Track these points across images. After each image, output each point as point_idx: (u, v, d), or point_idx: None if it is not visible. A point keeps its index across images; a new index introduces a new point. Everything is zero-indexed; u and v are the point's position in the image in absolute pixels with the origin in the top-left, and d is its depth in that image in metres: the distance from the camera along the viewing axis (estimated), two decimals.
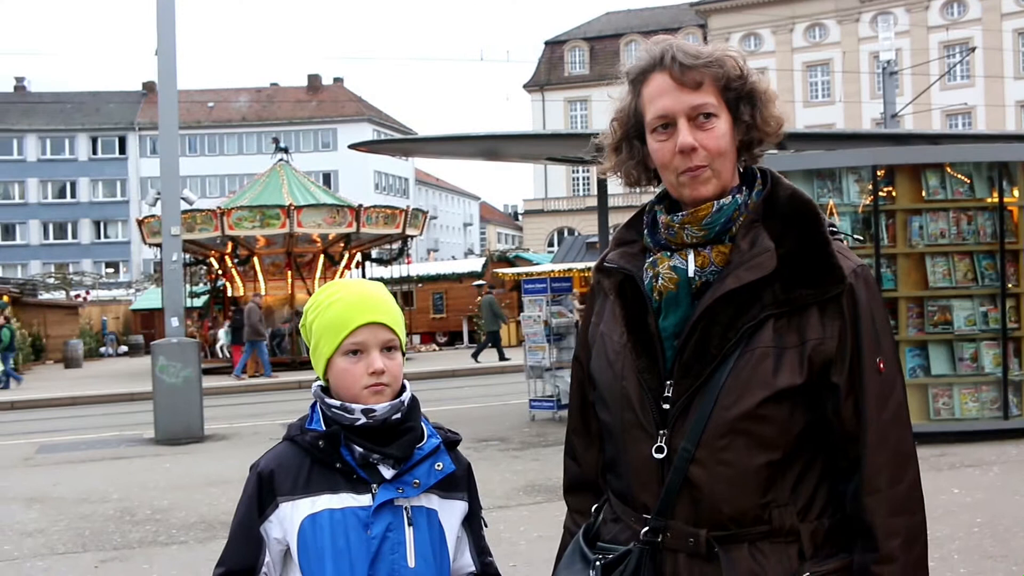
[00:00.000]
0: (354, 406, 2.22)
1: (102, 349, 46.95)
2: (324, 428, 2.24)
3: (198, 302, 36.33)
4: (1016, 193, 11.71)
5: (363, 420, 2.21)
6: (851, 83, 57.51)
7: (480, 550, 2.39)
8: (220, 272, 33.57)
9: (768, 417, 1.94)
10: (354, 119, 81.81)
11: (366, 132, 77.73)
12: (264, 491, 2.23)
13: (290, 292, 31.35)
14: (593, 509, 2.25)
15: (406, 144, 20.02)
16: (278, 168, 32.92)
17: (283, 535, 2.22)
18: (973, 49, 42.36)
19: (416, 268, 39.11)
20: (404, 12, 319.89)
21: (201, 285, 37.14)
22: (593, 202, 63.05)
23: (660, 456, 2.00)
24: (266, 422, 16.67)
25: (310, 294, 31.01)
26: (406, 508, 2.22)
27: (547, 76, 70.46)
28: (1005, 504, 8.24)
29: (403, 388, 2.29)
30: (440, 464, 2.26)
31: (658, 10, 71.76)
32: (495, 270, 41.74)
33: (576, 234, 55.87)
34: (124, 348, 47.65)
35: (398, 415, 2.24)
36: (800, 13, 60.49)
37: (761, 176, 2.11)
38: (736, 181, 2.08)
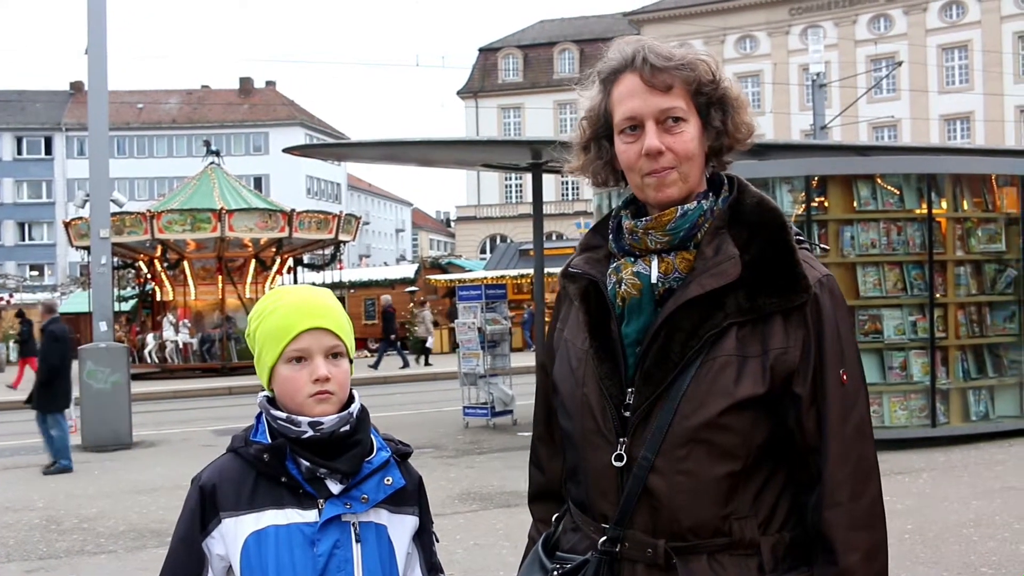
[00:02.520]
0: (301, 418, 2.14)
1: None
2: (269, 440, 2.16)
3: (126, 306, 35.74)
4: (944, 204, 11.94)
5: (310, 433, 2.13)
6: (781, 95, 58.29)
7: (431, 567, 2.33)
8: (149, 276, 33.06)
9: (729, 427, 1.91)
10: (287, 123, 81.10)
11: (298, 136, 77.11)
12: (207, 505, 2.14)
13: (221, 297, 31.05)
14: (554, 519, 2.22)
15: (341, 148, 19.85)
16: (209, 171, 32.54)
17: (226, 552, 2.13)
18: (900, 63, 43.08)
19: (348, 274, 38.91)
20: (339, 16, 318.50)
21: (129, 289, 36.51)
22: (526, 209, 63.40)
23: (620, 464, 1.96)
24: (196, 428, 16.44)
25: (241, 299, 30.98)
26: (354, 524, 2.15)
27: (481, 83, 70.45)
28: (935, 511, 8.37)
29: (351, 398, 2.22)
30: (390, 479, 2.20)
31: (592, 19, 72.10)
32: (428, 276, 41.62)
33: (509, 241, 55.97)
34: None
35: (347, 427, 2.17)
36: (731, 25, 61.19)
37: (728, 182, 2.08)
38: (703, 187, 2.06)
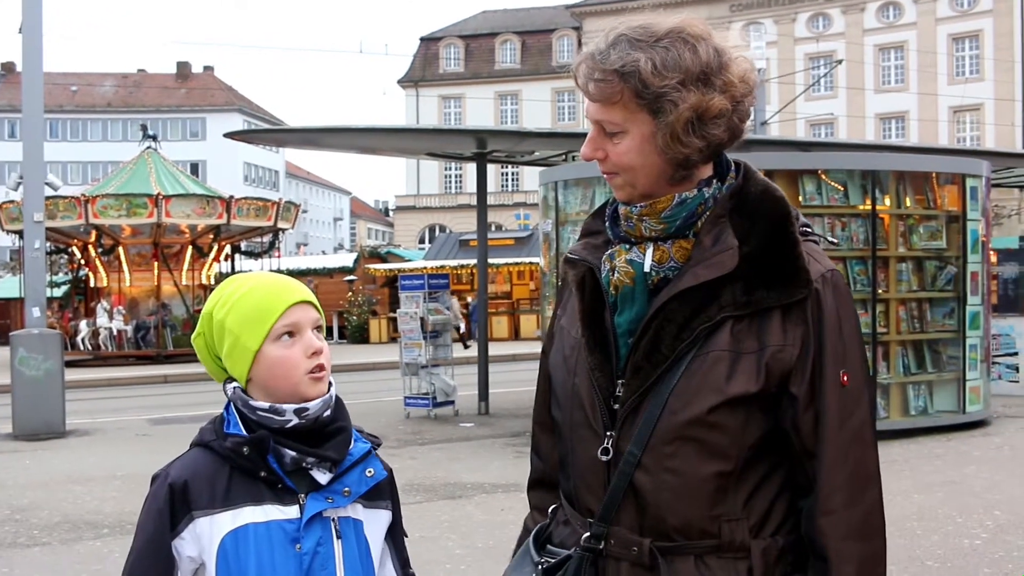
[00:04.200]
0: (285, 407, 2.02)
1: None
2: (244, 432, 2.04)
3: (59, 292, 35.10)
4: (888, 201, 12.05)
5: (295, 421, 2.02)
6: None
7: (403, 562, 2.23)
8: (83, 262, 32.48)
9: (719, 425, 1.83)
10: (224, 109, 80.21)
11: (236, 123, 76.21)
12: (177, 504, 2.00)
13: (156, 284, 30.56)
14: (550, 510, 2.14)
15: (282, 134, 19.61)
16: (146, 156, 32.03)
17: (198, 553, 2.00)
18: (840, 61, 43.58)
19: (286, 262, 38.46)
20: (280, 1, 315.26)
21: (62, 275, 35.87)
22: (465, 200, 63.45)
23: (606, 459, 1.90)
24: (131, 417, 16.14)
25: (177, 286, 30.56)
26: (333, 520, 2.04)
27: (422, 72, 70.10)
28: None
29: (330, 382, 2.11)
30: (371, 470, 2.09)
31: (534, 11, 72.05)
32: (367, 265, 41.33)
33: (448, 231, 55.76)
34: None
35: (328, 412, 2.06)
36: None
37: (735, 169, 1.98)
38: (700, 177, 1.94)
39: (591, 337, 1.97)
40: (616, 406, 1.91)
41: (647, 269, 1.92)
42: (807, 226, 1.99)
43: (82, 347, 29.82)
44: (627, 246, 1.96)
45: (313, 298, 2.10)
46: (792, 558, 1.89)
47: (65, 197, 29.16)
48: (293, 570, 1.99)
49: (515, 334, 35.76)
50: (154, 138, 33.54)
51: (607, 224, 2.03)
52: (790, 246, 1.89)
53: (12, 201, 29.49)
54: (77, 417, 14.87)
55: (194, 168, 65.42)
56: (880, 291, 11.76)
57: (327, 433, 2.05)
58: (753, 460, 1.87)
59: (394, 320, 34.38)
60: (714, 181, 1.95)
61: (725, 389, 1.82)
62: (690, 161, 1.88)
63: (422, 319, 14.89)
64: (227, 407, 2.10)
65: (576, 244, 2.07)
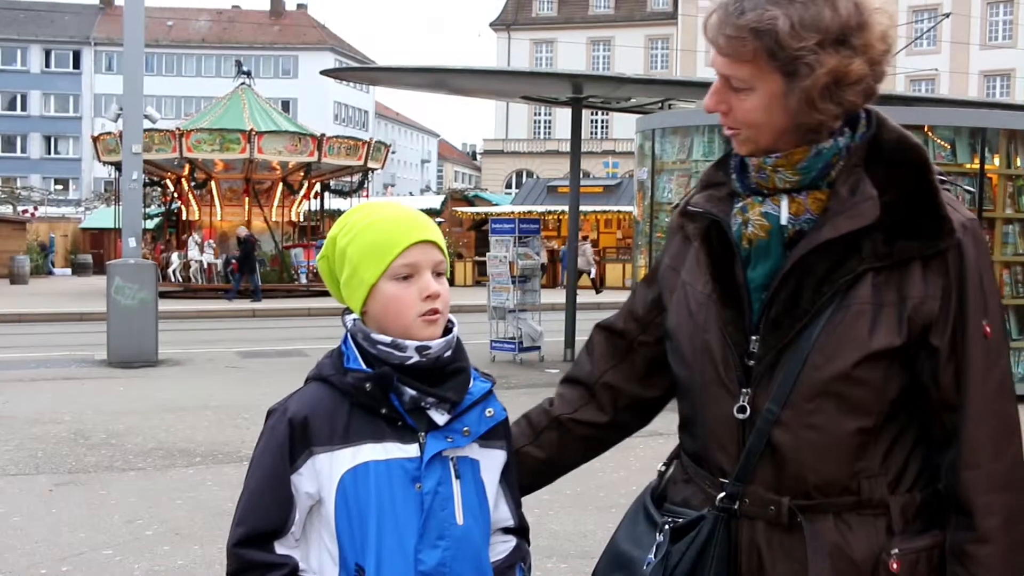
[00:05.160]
0: (406, 343, 1.94)
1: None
2: (364, 367, 1.97)
3: (151, 224, 35.70)
4: (997, 161, 11.65)
5: (416, 359, 1.94)
6: None
7: (516, 503, 2.16)
8: (176, 195, 32.98)
9: (862, 380, 1.77)
10: (316, 47, 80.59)
11: (328, 61, 76.46)
12: (296, 440, 1.95)
13: (247, 219, 30.88)
14: (660, 468, 2.10)
15: (379, 73, 19.50)
16: (240, 92, 32.30)
17: (316, 489, 1.95)
18: (946, 15, 42.26)
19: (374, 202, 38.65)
20: None
21: (155, 207, 36.46)
22: (553, 145, 63.18)
23: (742, 416, 1.83)
24: (221, 349, 16.40)
25: (267, 222, 30.86)
26: (452, 460, 1.98)
27: (514, 16, 69.58)
28: None
29: (450, 325, 2.03)
30: (491, 410, 2.01)
31: None
32: (454, 208, 41.42)
33: (536, 177, 55.58)
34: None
35: (449, 352, 1.98)
36: None
37: (866, 117, 1.89)
38: (832, 129, 1.84)
39: (723, 292, 1.90)
40: (751, 362, 1.85)
41: (784, 222, 1.84)
42: (942, 175, 1.90)
43: (173, 279, 30.34)
44: (759, 199, 1.88)
45: (438, 238, 2.01)
46: (928, 513, 1.84)
47: (160, 130, 29.55)
48: (414, 510, 1.93)
49: (601, 282, 35.59)
50: (248, 74, 33.80)
51: (734, 175, 1.94)
52: (931, 194, 1.82)
53: (109, 133, 30.05)
54: (168, 347, 15.15)
55: (285, 106, 65.87)
56: None
57: (447, 373, 1.98)
58: (891, 415, 1.82)
59: (479, 263, 34.80)
60: (846, 130, 1.86)
61: (869, 343, 1.77)
62: (823, 126, 1.82)
63: (511, 263, 14.85)
64: (345, 340, 2.03)
65: (697, 196, 2.00)
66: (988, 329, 1.80)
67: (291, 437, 1.95)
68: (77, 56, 79.62)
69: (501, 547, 2.11)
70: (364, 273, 1.96)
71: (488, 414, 2.01)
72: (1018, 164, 11.91)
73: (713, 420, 1.90)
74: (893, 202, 1.80)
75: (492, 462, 2.06)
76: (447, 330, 2.01)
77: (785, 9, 1.73)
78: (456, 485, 1.97)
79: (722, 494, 1.86)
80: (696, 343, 1.93)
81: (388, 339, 1.96)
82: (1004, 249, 11.64)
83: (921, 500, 1.84)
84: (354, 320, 2.02)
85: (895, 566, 1.78)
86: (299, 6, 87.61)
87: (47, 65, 79.85)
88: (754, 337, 1.85)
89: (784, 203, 1.85)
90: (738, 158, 1.93)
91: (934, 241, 1.78)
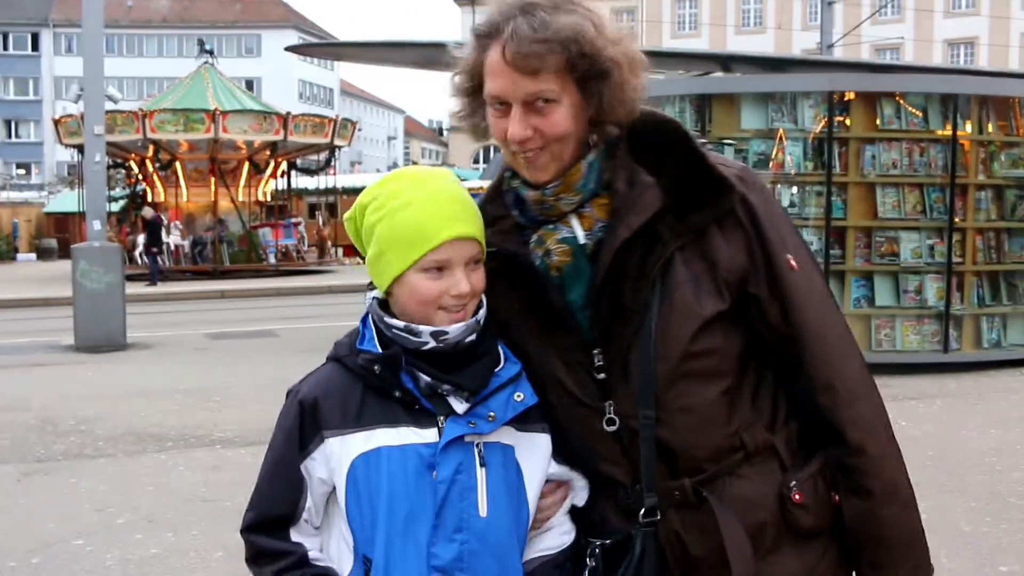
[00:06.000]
0: (421, 328, 1.83)
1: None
2: (379, 349, 1.85)
3: (116, 207, 35.25)
4: (969, 127, 11.62)
5: (431, 344, 1.83)
6: (784, 12, 57.36)
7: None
8: (140, 177, 32.60)
9: (707, 350, 1.86)
10: (279, 25, 79.70)
11: (292, 39, 75.24)
12: (307, 423, 1.85)
13: (213, 199, 30.58)
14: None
15: (341, 48, 19.33)
16: (203, 71, 31.98)
17: (329, 475, 1.85)
18: None
19: (342, 180, 38.31)
20: None
21: (119, 189, 36.01)
22: None
23: (612, 428, 1.89)
24: (189, 332, 16.21)
25: (234, 202, 30.56)
26: (478, 445, 1.84)
27: None
28: (953, 439, 8.20)
29: (479, 303, 1.91)
30: (521, 394, 1.87)
31: None
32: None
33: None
34: None
35: (472, 336, 1.86)
36: None
37: None
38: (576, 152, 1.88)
39: (546, 323, 1.92)
40: (601, 375, 1.89)
41: (582, 240, 1.89)
42: (699, 136, 1.97)
43: (139, 262, 29.99)
44: (550, 226, 1.91)
45: (477, 230, 1.87)
46: (808, 439, 1.94)
47: (123, 112, 29.14)
48: (427, 499, 1.81)
49: None
50: (211, 53, 33.43)
51: (515, 212, 1.94)
52: (701, 160, 1.87)
53: (70, 115, 29.63)
54: (136, 331, 14.95)
55: (249, 85, 65.28)
56: (957, 220, 11.36)
57: (468, 357, 1.86)
58: (744, 367, 1.91)
59: None
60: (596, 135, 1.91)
61: (700, 315, 1.84)
62: (600, 133, 1.89)
63: None
64: (364, 319, 1.93)
65: (488, 234, 1.94)
66: (793, 263, 1.88)
67: (301, 420, 1.87)
68: (36, 38, 78.38)
69: (558, 539, 1.99)
70: (392, 261, 1.86)
71: (517, 398, 1.88)
72: (990, 130, 11.87)
73: (590, 439, 1.92)
74: (671, 182, 1.85)
75: (532, 446, 1.93)
76: (476, 310, 1.90)
77: (582, 18, 1.78)
78: (481, 473, 1.84)
79: (643, 509, 1.88)
80: (544, 376, 1.93)
81: (402, 324, 1.86)
82: (977, 215, 11.60)
83: (798, 427, 1.94)
84: (373, 299, 1.93)
85: (797, 497, 1.89)
86: None
87: (5, 48, 78.57)
88: (595, 351, 1.88)
89: (575, 223, 1.89)
90: (512, 194, 1.94)
91: (720, 203, 1.85)
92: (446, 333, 1.83)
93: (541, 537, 1.97)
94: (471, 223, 1.87)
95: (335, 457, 1.84)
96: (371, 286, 1.94)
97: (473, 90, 1.90)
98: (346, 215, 1.97)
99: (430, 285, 1.83)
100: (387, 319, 1.87)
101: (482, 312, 1.89)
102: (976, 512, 6.23)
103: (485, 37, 1.83)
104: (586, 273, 1.88)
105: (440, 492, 1.81)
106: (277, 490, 1.87)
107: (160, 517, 6.26)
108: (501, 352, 1.91)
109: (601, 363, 1.88)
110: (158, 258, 27.84)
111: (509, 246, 1.91)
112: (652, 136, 1.89)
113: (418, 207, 1.84)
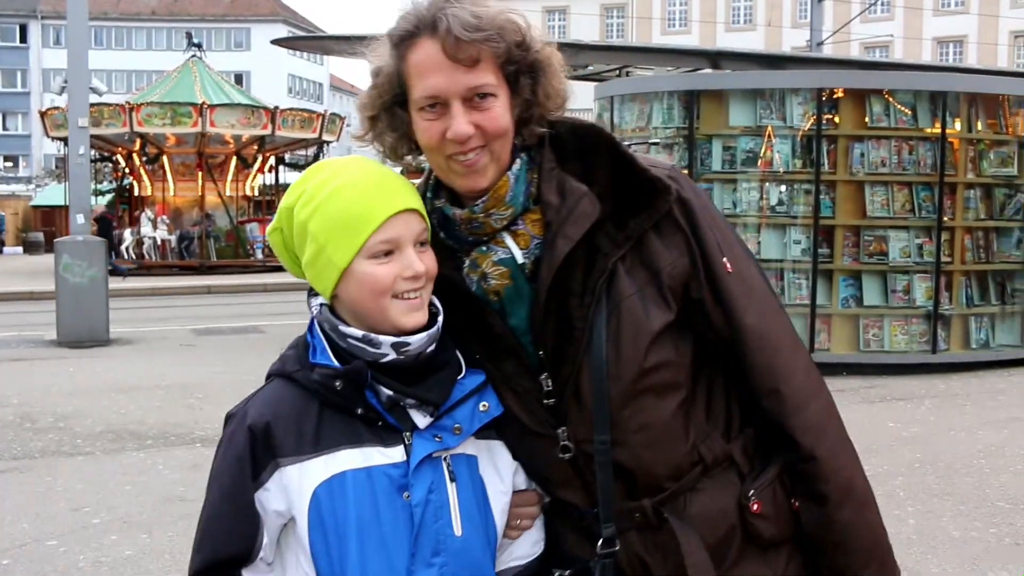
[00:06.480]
0: (381, 338, 1.68)
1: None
2: (334, 362, 1.71)
3: (103, 200, 35.07)
4: (958, 125, 11.55)
5: (392, 356, 1.69)
6: (774, 9, 57.34)
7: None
8: (127, 170, 32.40)
9: (660, 364, 1.78)
10: (269, 19, 79.43)
11: (281, 33, 75.20)
12: (259, 450, 1.68)
13: (200, 194, 30.41)
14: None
15: (331, 42, 19.21)
16: (191, 64, 31.76)
17: (287, 507, 1.69)
18: None
19: None
20: None
21: (106, 183, 35.82)
22: None
23: (567, 456, 1.81)
24: (174, 327, 16.08)
25: (221, 196, 30.46)
26: (445, 459, 1.73)
27: None
28: (942, 441, 8.14)
29: (434, 310, 1.77)
30: (486, 404, 1.76)
31: None
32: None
33: None
34: None
35: (432, 348, 1.73)
36: None
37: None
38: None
39: (490, 350, 1.81)
40: (550, 401, 1.79)
41: (520, 260, 1.78)
42: (624, 141, 1.89)
43: (126, 256, 29.83)
44: (483, 248, 1.80)
45: (418, 203, 1.74)
46: (763, 443, 1.88)
47: (110, 104, 28.95)
48: (403, 524, 1.67)
49: None
50: (199, 46, 33.24)
51: (442, 234, 1.83)
52: (631, 165, 1.79)
53: (57, 108, 29.39)
54: (121, 326, 14.81)
55: (238, 79, 64.97)
56: (946, 219, 11.30)
57: (429, 368, 1.73)
58: (696, 376, 1.84)
59: None
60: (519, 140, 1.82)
61: (649, 329, 1.76)
62: (532, 123, 1.81)
63: None
64: (311, 329, 1.77)
65: None
66: (728, 266, 1.81)
67: (252, 448, 1.70)
68: (24, 30, 77.96)
69: (530, 548, 1.89)
70: (334, 253, 1.69)
71: (483, 408, 1.78)
72: (979, 128, 11.81)
73: (543, 466, 1.85)
74: (604, 188, 1.77)
75: (494, 454, 1.83)
76: (431, 315, 1.76)
77: (510, 12, 1.73)
78: (452, 489, 1.73)
79: (601, 539, 1.81)
80: None
81: (359, 333, 1.71)
82: (966, 214, 11.54)
83: (754, 432, 1.87)
84: (320, 307, 1.76)
85: (756, 507, 1.82)
86: None
87: None
88: (543, 376, 1.79)
89: (510, 242, 1.79)
90: (437, 214, 1.82)
91: (656, 206, 1.77)
92: (408, 344, 1.70)
93: (513, 546, 1.88)
94: (412, 197, 1.75)
95: (294, 487, 1.68)
96: (312, 292, 1.79)
97: (390, 103, 1.79)
98: (269, 228, 1.81)
99: (382, 271, 1.69)
100: (342, 328, 1.72)
101: (440, 319, 1.76)
102: (965, 516, 6.16)
103: (409, 37, 1.72)
104: (527, 295, 1.78)
105: (416, 515, 1.68)
106: (228, 527, 1.70)
107: (136, 518, 6.15)
108: (461, 360, 1.79)
109: (550, 388, 1.78)
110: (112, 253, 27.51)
111: (442, 270, 1.78)
112: (576, 142, 1.82)
113: (352, 189, 1.70)
